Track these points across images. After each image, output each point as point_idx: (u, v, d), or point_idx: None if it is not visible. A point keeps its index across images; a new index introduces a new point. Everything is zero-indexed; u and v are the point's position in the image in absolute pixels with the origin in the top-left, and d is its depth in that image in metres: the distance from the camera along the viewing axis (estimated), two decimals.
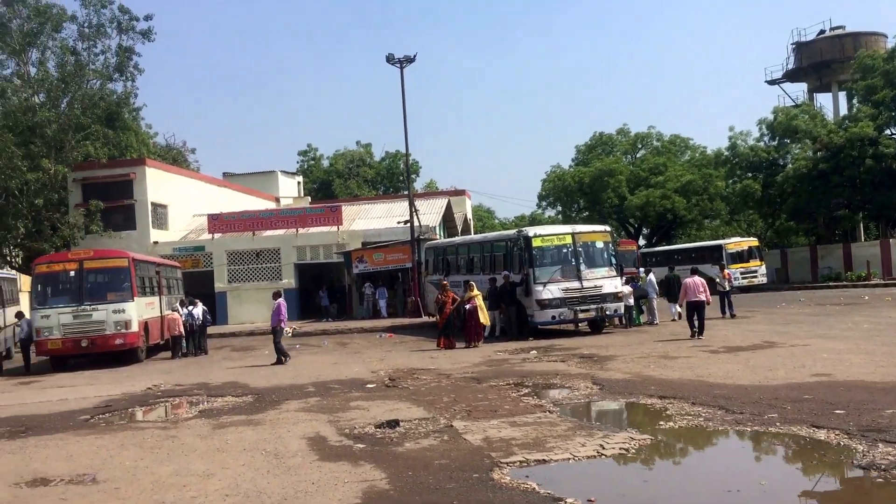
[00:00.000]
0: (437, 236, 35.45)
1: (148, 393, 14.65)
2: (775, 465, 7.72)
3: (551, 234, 21.56)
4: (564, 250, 21.21)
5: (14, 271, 31.70)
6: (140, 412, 12.63)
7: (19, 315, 21.79)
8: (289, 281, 34.57)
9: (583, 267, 21.01)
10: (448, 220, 40.74)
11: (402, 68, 31.47)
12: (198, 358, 21.87)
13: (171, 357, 22.10)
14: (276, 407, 11.82)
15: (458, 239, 29.78)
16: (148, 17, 34.80)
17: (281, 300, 19.31)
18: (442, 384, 13.34)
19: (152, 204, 35.19)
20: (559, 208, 60.72)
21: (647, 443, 8.35)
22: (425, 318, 29.34)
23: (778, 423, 8.72)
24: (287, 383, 14.68)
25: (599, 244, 21.62)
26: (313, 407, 11.60)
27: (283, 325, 18.91)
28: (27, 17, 33.88)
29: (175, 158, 46.07)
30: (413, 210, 32.19)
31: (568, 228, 22.01)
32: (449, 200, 41.01)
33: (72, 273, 20.72)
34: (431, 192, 47.55)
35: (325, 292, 34.12)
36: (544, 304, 20.55)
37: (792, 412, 9.20)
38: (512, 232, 23.98)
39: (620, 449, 8.01)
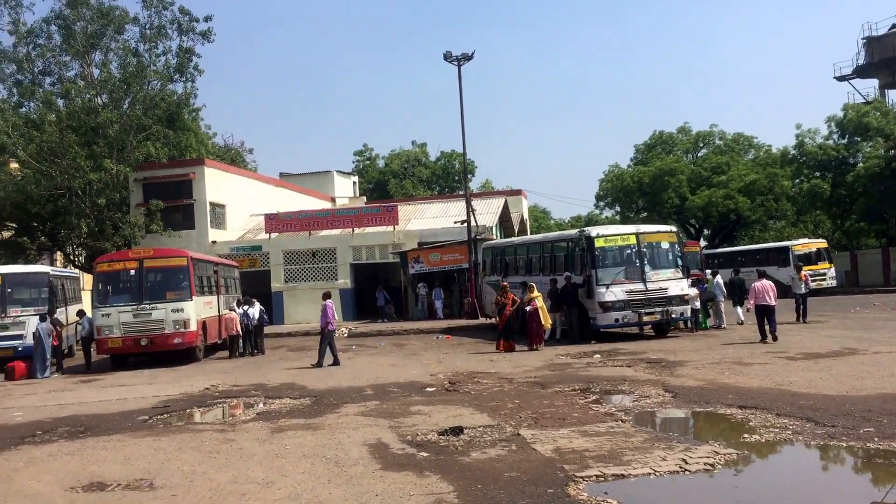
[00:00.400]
0: (494, 237, 34.93)
1: (206, 393, 14.49)
2: (880, 486, 7.04)
3: (615, 234, 20.88)
4: (628, 251, 20.51)
5: (77, 270, 32.30)
6: (198, 413, 12.44)
7: (81, 313, 22.03)
8: (344, 281, 34.47)
9: (647, 268, 20.28)
10: (504, 220, 40.16)
11: (459, 66, 31.07)
12: (255, 358, 21.78)
13: (229, 357, 22.05)
14: (335, 410, 11.48)
15: (516, 239, 29.24)
16: (207, 19, 35.05)
17: (329, 301, 19.03)
18: (505, 389, 12.84)
19: (211, 204, 35.45)
20: (617, 209, 59.61)
21: (734, 457, 7.73)
22: (482, 320, 28.88)
23: (876, 439, 8.01)
24: (345, 385, 14.36)
25: (665, 245, 20.86)
26: (373, 411, 11.23)
27: (330, 326, 18.61)
28: (90, 18, 34.42)
29: (233, 159, 46.47)
30: (470, 210, 31.74)
31: (632, 228, 21.29)
32: (506, 200, 40.43)
33: (132, 272, 20.82)
34: (488, 192, 47.04)
35: (382, 293, 33.87)
36: (607, 307, 19.88)
37: (890, 426, 8.48)
38: (573, 232, 23.34)
39: (705, 464, 7.41)
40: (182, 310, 20.55)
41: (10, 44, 34.45)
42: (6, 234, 34.48)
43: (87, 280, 32.32)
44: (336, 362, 18.17)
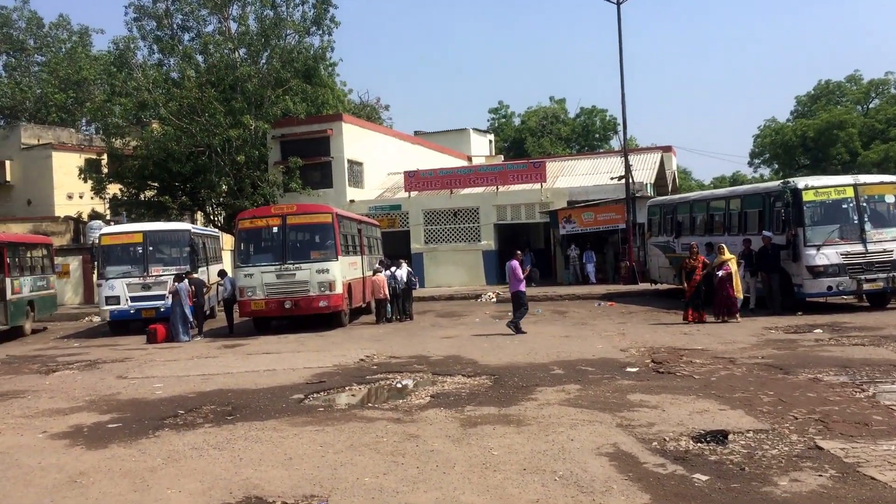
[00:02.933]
0: (650, 195, 31.70)
1: (362, 366, 12.57)
2: None
3: (827, 185, 17.49)
4: (844, 206, 17.13)
5: (216, 230, 31.59)
6: (360, 392, 10.46)
7: (222, 273, 20.78)
8: (487, 242, 32.26)
9: (868, 226, 16.86)
10: (660, 177, 36.71)
11: (618, 4, 27.88)
12: (403, 324, 19.92)
13: (375, 322, 20.29)
14: (529, 396, 9.19)
15: (693, 194, 25.88)
16: None
17: (515, 261, 16.75)
18: (735, 373, 10.16)
19: (349, 161, 33.95)
20: (775, 166, 54.49)
21: None
22: (644, 286, 26.03)
23: None
24: (523, 361, 12.08)
25: (890, 198, 17.33)
26: (580, 399, 8.85)
27: (521, 286, 16.38)
28: None
29: (369, 116, 44.99)
30: (628, 165, 28.72)
31: (849, 179, 17.83)
32: (662, 156, 36.94)
33: (275, 229, 19.25)
34: (644, 148, 43.47)
35: (529, 255, 31.41)
36: (818, 272, 16.67)
37: None
38: (774, 184, 20.00)
39: None
40: (327, 270, 18.85)
41: (149, 0, 33.86)
42: (149, 194, 34.28)
43: (226, 240, 31.63)
44: (517, 330, 15.96)
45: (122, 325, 20.89)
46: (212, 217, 34.87)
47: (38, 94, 46.98)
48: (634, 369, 10.90)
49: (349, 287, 20.04)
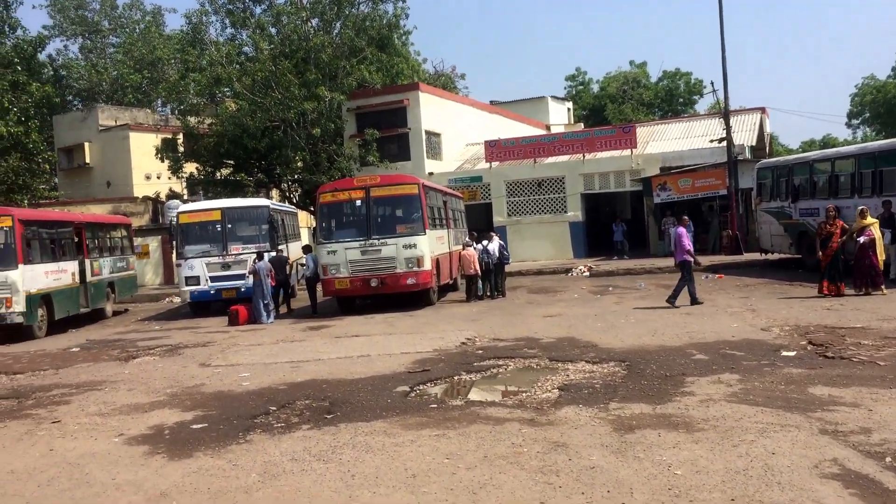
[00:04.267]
0: (749, 159, 29.34)
1: (465, 350, 11.22)
2: None
3: None
4: None
5: (293, 207, 30.72)
6: (473, 383, 9.10)
7: (307, 249, 19.58)
8: (574, 213, 30.51)
9: None
10: (759, 140, 34.16)
11: None
12: (496, 301, 18.51)
13: (466, 300, 18.93)
14: (682, 389, 7.65)
15: (813, 153, 23.48)
16: None
17: (682, 228, 15.21)
18: None
19: (426, 132, 32.57)
20: (877, 127, 50.77)
21: None
22: (749, 256, 24.00)
23: None
24: (651, 343, 10.52)
25: None
26: (749, 394, 7.27)
27: (688, 257, 14.94)
28: None
29: (444, 86, 43.45)
30: (729, 125, 26.53)
31: None
32: (761, 117, 34.38)
33: (358, 202, 18.02)
34: (739, 109, 40.68)
35: (621, 225, 29.57)
36: None
37: None
38: None
39: None
40: (415, 245, 17.55)
41: None
42: (225, 172, 33.66)
43: (301, 217, 30.75)
44: (695, 301, 14.67)
45: (203, 306, 20.10)
46: (287, 194, 34.04)
47: (114, 75, 47.05)
48: (791, 353, 9.23)
49: (437, 263, 18.73)
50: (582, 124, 48.97)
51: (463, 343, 11.79)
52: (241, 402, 8.48)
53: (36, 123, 28.90)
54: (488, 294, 19.28)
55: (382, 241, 17.57)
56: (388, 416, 7.34)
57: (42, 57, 47.74)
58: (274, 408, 8.04)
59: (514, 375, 9.39)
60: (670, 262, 25.06)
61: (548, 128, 45.03)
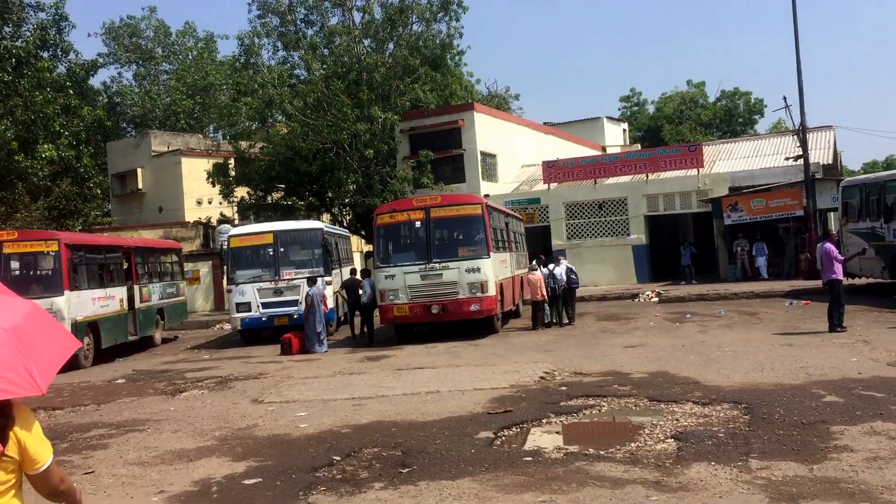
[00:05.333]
0: (824, 178, 27.57)
1: (546, 386, 9.97)
2: None
3: None
4: None
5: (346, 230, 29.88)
6: (567, 428, 7.85)
7: (365, 273, 18.47)
8: (638, 236, 29.05)
9: None
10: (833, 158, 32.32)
11: None
12: (566, 330, 17.21)
13: (532, 328, 17.66)
14: (830, 442, 6.30)
15: None
16: None
17: (829, 244, 13.84)
18: None
19: (481, 153, 31.54)
20: None
21: None
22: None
23: None
24: (765, 381, 9.14)
25: None
26: None
27: (836, 275, 13.52)
28: None
29: (498, 106, 42.52)
30: (805, 142, 24.93)
31: None
32: (835, 133, 32.58)
33: (417, 224, 16.94)
34: (812, 127, 38.74)
35: (689, 248, 27.99)
36: None
37: None
38: None
39: None
40: (478, 269, 16.38)
41: None
42: (276, 196, 33.03)
43: (353, 241, 29.87)
44: (835, 325, 13.30)
45: (254, 333, 19.18)
46: (339, 218, 33.26)
47: (167, 102, 47.15)
48: None
49: (500, 288, 17.51)
50: (639, 145, 47.47)
51: (542, 378, 10.55)
52: (299, 449, 7.36)
53: (88, 149, 28.67)
54: (555, 321, 18.02)
55: (444, 264, 16.44)
56: (475, 471, 6.13)
57: (97, 84, 48.31)
58: (338, 458, 6.90)
59: (612, 419, 8.12)
60: (746, 286, 23.54)
61: (603, 149, 43.67)
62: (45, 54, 24.83)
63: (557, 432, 7.69)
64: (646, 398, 8.75)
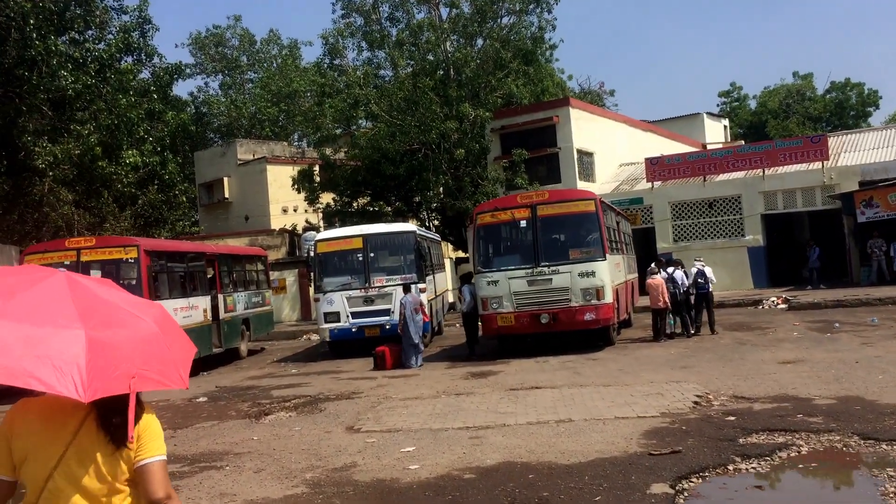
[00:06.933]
0: None
1: (706, 414, 8.03)
2: None
3: None
4: None
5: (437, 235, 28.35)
6: (766, 477, 5.91)
7: (465, 279, 16.61)
8: (754, 237, 26.50)
9: None
10: None
11: None
12: (694, 341, 15.09)
13: (654, 339, 15.60)
14: None
15: None
16: None
17: None
18: None
19: (578, 151, 29.52)
20: None
21: None
22: None
23: None
24: None
25: None
26: None
27: None
28: None
29: (592, 103, 40.39)
30: None
31: None
32: None
33: (522, 223, 15.13)
34: None
35: (815, 249, 25.18)
36: None
37: None
38: None
39: None
40: (593, 273, 14.44)
41: None
42: (362, 202, 31.82)
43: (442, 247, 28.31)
44: None
45: (344, 345, 17.72)
46: (426, 223, 31.78)
47: (252, 110, 46.83)
48: None
49: (616, 294, 15.53)
50: (742, 142, 44.42)
51: (696, 403, 8.59)
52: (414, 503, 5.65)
53: (174, 157, 28.03)
54: (679, 331, 15.93)
55: (553, 268, 14.57)
56: None
57: (184, 95, 48.46)
58: None
59: (820, 466, 6.13)
60: (889, 291, 20.72)
61: (704, 146, 40.82)
62: (129, 58, 24.17)
63: (758, 486, 5.75)
64: (855, 435, 6.72)
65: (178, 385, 2.61)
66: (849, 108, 51.53)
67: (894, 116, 50.91)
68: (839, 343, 12.98)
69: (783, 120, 50.00)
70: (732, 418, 7.75)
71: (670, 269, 16.27)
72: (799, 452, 6.44)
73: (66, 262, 14.69)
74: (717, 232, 27.21)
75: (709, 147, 40.80)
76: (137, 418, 2.56)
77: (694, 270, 16.06)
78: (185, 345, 2.93)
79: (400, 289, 16.42)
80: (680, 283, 15.94)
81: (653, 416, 8.05)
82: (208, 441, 8.80)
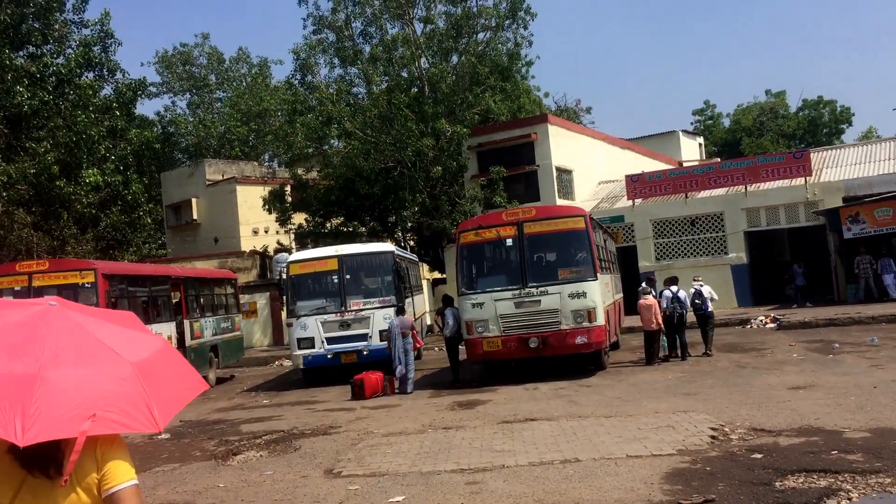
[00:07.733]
0: None
1: (728, 451, 7.19)
2: None
3: None
4: None
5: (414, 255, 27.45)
6: None
7: (447, 302, 15.68)
8: (737, 255, 25.91)
9: None
10: None
11: None
12: (689, 364, 14.31)
13: (647, 363, 14.78)
14: None
15: None
16: None
17: None
18: None
19: (557, 169, 28.88)
20: None
21: None
22: None
23: None
24: None
25: None
26: None
27: None
28: None
29: (569, 121, 39.89)
30: None
31: None
32: None
33: (508, 241, 14.27)
34: None
35: (801, 268, 24.68)
36: None
37: None
38: None
39: None
40: (584, 294, 13.62)
41: (327, 9, 30.73)
42: (335, 222, 30.86)
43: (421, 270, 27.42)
44: None
45: (318, 371, 16.70)
46: (402, 243, 30.88)
47: (221, 130, 45.72)
48: None
49: (607, 316, 14.72)
50: (718, 160, 44.24)
51: (714, 438, 7.76)
52: None
53: (137, 177, 26.90)
54: (672, 355, 15.16)
55: (542, 289, 13.73)
56: None
57: (150, 115, 47.22)
58: None
59: None
60: (878, 309, 20.14)
61: (680, 164, 40.54)
62: (90, 74, 23.08)
63: None
64: None
65: (147, 428, 2.45)
66: (822, 126, 51.70)
67: (867, 133, 51.09)
68: (845, 365, 12.27)
69: (757, 137, 49.99)
70: (759, 456, 6.92)
71: (674, 289, 15.50)
72: (850, 500, 5.61)
73: (17, 288, 13.64)
74: (700, 250, 26.62)
75: (685, 164, 40.52)
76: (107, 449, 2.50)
77: (692, 291, 15.31)
78: (186, 383, 2.83)
79: (377, 312, 15.52)
80: (683, 302, 15.19)
81: (669, 455, 7.20)
82: (167, 489, 7.78)
